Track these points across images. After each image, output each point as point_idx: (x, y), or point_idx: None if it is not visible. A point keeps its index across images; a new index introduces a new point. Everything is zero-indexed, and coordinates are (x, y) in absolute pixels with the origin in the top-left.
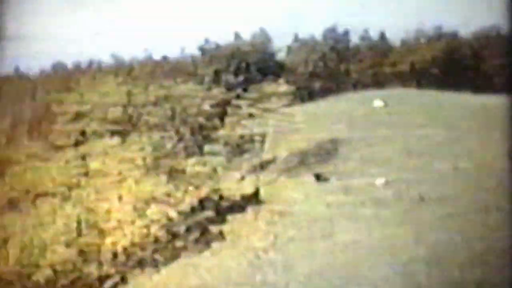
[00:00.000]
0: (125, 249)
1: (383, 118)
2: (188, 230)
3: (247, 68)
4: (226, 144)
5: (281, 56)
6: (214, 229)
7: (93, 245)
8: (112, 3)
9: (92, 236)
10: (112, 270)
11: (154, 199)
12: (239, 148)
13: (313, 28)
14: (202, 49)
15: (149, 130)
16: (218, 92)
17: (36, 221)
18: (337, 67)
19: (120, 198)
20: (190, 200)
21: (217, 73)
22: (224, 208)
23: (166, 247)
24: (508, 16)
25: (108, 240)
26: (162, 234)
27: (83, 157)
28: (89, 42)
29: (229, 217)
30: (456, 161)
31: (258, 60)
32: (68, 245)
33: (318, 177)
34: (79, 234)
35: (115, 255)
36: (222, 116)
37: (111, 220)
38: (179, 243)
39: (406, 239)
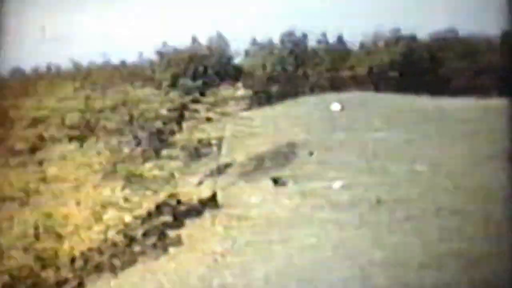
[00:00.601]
0: (82, 254)
1: (340, 121)
2: (146, 234)
3: (205, 72)
4: (183, 148)
5: (238, 60)
6: (171, 233)
7: (51, 250)
8: (70, 8)
9: (49, 241)
10: (70, 275)
11: (111, 204)
12: (196, 152)
13: (271, 31)
14: (160, 53)
15: (107, 135)
16: (175, 96)
17: None
18: (294, 70)
19: (77, 203)
20: (147, 204)
21: (174, 77)
22: (181, 213)
23: (124, 251)
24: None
25: (66, 245)
26: (119, 239)
27: (41, 163)
28: (47, 47)
29: (187, 222)
30: (413, 163)
31: (216, 64)
32: (25, 250)
33: (275, 181)
34: (37, 239)
35: (72, 260)
36: (179, 120)
37: (69, 225)
38: (136, 248)
39: (363, 242)
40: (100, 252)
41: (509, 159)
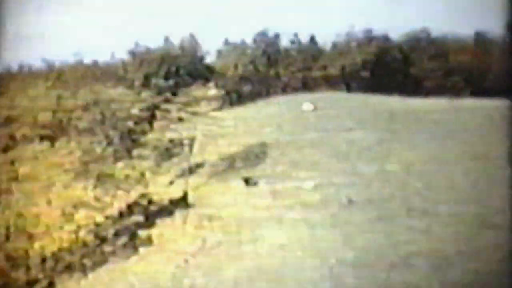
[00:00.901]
0: (53, 253)
1: (312, 121)
2: (117, 234)
3: (177, 72)
4: (155, 148)
5: (211, 60)
6: (142, 233)
7: (22, 250)
8: (43, 7)
9: (20, 241)
10: (40, 275)
11: (82, 204)
12: (168, 152)
13: (244, 32)
14: (132, 53)
15: (79, 134)
16: (147, 96)
17: None
18: (267, 71)
19: (49, 203)
20: (119, 204)
21: (147, 77)
22: (152, 213)
23: (94, 251)
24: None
25: (37, 245)
26: (90, 238)
27: (13, 162)
28: (19, 46)
29: (158, 221)
30: (384, 164)
31: (188, 64)
32: None
33: (246, 181)
34: (8, 239)
35: (43, 259)
36: (151, 120)
37: (40, 225)
38: (107, 248)
39: (334, 242)
40: (71, 252)
41: (481, 159)
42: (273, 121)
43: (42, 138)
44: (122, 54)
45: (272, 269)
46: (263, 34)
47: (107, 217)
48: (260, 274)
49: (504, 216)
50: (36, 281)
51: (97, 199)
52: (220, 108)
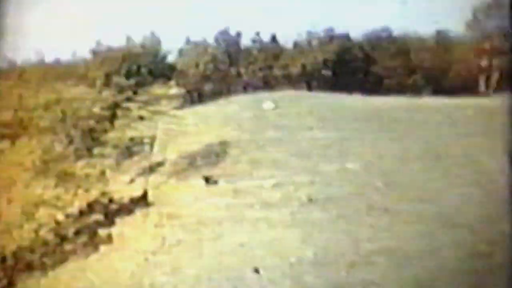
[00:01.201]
0: (13, 252)
1: (273, 120)
2: (77, 233)
3: (138, 70)
4: (115, 146)
5: (172, 58)
6: (102, 232)
7: None
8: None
9: None
10: (0, 274)
11: (43, 203)
12: (128, 150)
13: (206, 30)
14: (94, 52)
15: (40, 133)
16: (109, 95)
17: None
18: (228, 69)
19: (9, 201)
20: (79, 203)
21: (108, 76)
22: (113, 211)
23: (55, 250)
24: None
25: None
26: (50, 237)
27: None
28: None
29: (118, 220)
30: (345, 162)
31: (150, 63)
32: None
33: (207, 180)
34: None
35: (3, 259)
36: (112, 119)
37: (0, 223)
38: (67, 247)
39: (294, 240)
40: (31, 250)
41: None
42: (233, 119)
43: (2, 137)
44: (84, 53)
45: (233, 267)
46: (224, 33)
47: (67, 216)
48: (221, 272)
49: (464, 215)
50: None
51: (57, 197)
52: (181, 107)
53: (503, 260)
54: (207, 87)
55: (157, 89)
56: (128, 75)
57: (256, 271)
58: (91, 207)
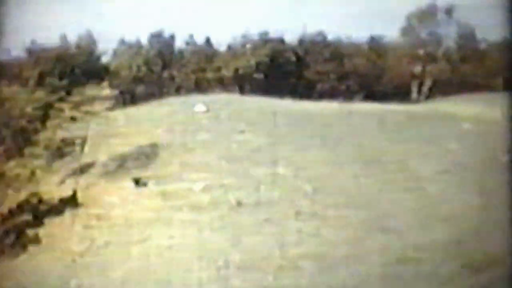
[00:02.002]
0: None
1: (204, 123)
2: (6, 233)
3: (72, 71)
4: (46, 147)
5: (107, 59)
6: (30, 232)
7: None
8: None
9: None
10: None
11: None
12: (59, 151)
13: (140, 32)
14: (28, 51)
15: None
16: (41, 95)
17: None
18: (161, 71)
19: None
20: (9, 203)
21: (42, 76)
22: (42, 212)
23: None
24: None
25: None
26: None
27: None
28: None
29: (47, 221)
30: (275, 166)
31: (84, 63)
32: None
33: (136, 182)
34: None
35: None
36: (44, 119)
37: None
38: None
39: (222, 243)
40: None
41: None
42: (165, 122)
43: None
44: (18, 52)
45: (160, 270)
46: (158, 34)
47: None
48: (148, 274)
49: (393, 220)
50: None
51: None
52: (113, 108)
53: (431, 266)
54: (140, 89)
55: (90, 90)
56: (61, 76)
57: None
58: (20, 207)
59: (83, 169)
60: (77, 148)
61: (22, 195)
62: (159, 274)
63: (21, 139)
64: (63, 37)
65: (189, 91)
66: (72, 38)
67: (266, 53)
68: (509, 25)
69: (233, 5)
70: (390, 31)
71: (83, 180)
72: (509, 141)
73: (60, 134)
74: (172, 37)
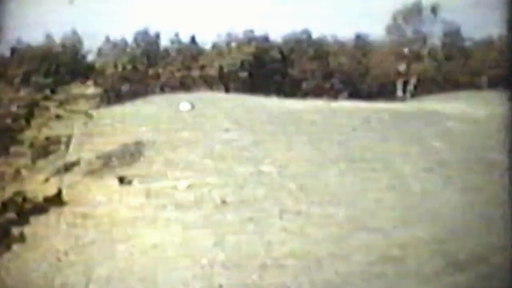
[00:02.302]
0: None
1: (189, 121)
2: None
3: (57, 69)
4: (31, 145)
5: (91, 58)
6: (15, 231)
7: None
8: None
9: None
10: None
11: None
12: (44, 149)
13: (125, 30)
14: (13, 50)
15: None
16: (26, 94)
17: None
18: (146, 70)
19: None
20: None
21: (27, 74)
22: (27, 210)
23: None
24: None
25: None
26: None
27: None
28: None
29: (31, 219)
30: (259, 165)
31: (69, 62)
32: None
33: (121, 180)
34: None
35: None
36: (29, 118)
37: None
38: None
39: (206, 242)
40: None
41: (356, 161)
42: (150, 120)
43: None
44: (3, 51)
45: (145, 268)
46: (143, 33)
47: None
48: (133, 273)
49: (377, 219)
50: None
51: None
52: (98, 106)
53: (415, 265)
54: (125, 87)
55: (75, 88)
56: (47, 74)
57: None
58: (5, 206)
59: (68, 168)
60: (62, 147)
61: (7, 194)
62: (144, 272)
63: (6, 138)
64: (48, 36)
65: (174, 89)
66: (57, 36)
67: (251, 51)
68: (494, 24)
69: (218, 3)
70: (375, 30)
71: (68, 178)
72: (494, 139)
73: (45, 132)
74: (157, 36)
